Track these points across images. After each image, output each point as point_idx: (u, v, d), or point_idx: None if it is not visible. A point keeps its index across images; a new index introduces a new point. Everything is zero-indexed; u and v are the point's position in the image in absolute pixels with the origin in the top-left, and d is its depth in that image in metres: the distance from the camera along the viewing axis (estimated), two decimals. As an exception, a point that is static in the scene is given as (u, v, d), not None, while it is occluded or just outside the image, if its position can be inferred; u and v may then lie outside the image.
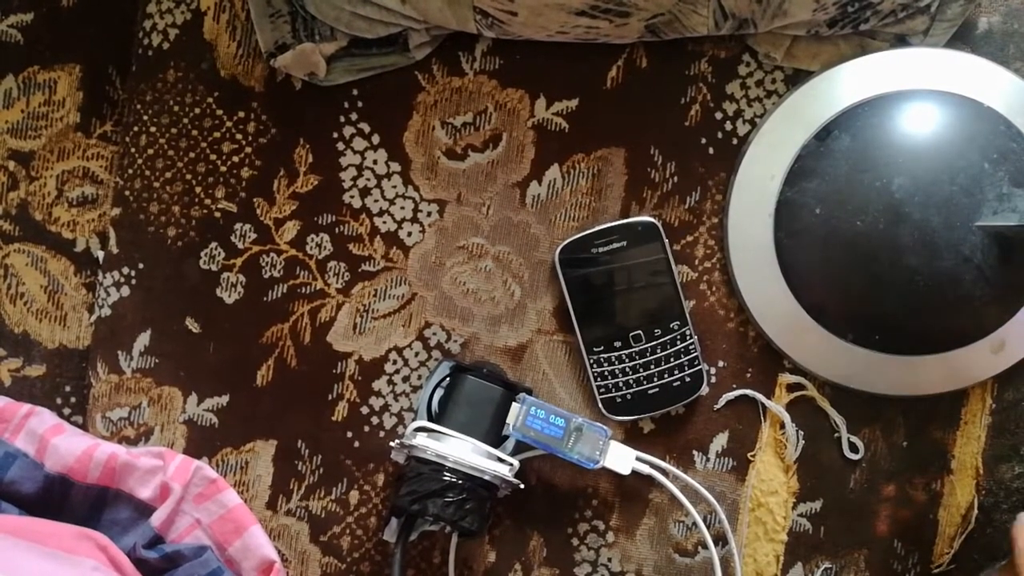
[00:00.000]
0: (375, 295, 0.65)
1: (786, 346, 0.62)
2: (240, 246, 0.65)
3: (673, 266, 0.62)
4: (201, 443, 0.66)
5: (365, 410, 0.65)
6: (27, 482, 0.60)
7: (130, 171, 0.66)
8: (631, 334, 0.62)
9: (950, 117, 0.59)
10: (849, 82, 0.60)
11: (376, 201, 0.65)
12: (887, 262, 0.58)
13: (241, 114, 0.65)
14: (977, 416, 0.63)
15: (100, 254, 0.67)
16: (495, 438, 0.60)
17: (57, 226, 0.67)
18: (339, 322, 0.65)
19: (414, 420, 0.61)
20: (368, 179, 0.65)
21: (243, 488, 0.66)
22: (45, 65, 0.67)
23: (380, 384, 0.65)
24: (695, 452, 0.64)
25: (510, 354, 0.65)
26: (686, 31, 0.60)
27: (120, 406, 0.66)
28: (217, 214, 0.66)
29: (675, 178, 0.64)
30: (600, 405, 0.63)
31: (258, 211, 0.65)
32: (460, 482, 0.57)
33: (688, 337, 0.62)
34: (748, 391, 0.64)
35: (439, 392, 0.62)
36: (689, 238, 0.64)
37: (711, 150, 0.63)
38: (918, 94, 0.59)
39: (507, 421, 0.60)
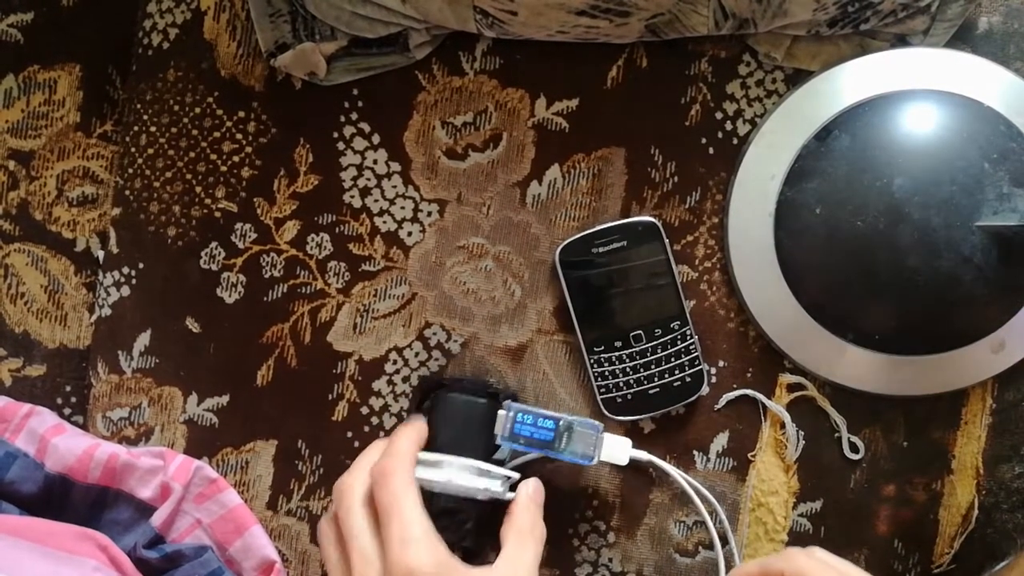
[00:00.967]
0: (375, 295, 0.65)
1: (786, 346, 0.62)
2: (240, 246, 0.65)
3: (673, 266, 0.62)
4: (201, 443, 0.66)
5: (365, 410, 0.65)
6: (27, 482, 0.60)
7: (130, 171, 0.66)
8: (631, 334, 0.62)
9: (950, 117, 0.59)
10: (849, 82, 0.60)
11: (376, 201, 0.65)
12: (887, 262, 0.58)
13: (241, 114, 0.65)
14: (977, 416, 0.63)
15: (100, 254, 0.67)
16: (489, 450, 0.59)
17: (57, 226, 0.67)
18: (339, 322, 0.65)
19: None
20: (368, 179, 0.65)
21: (243, 488, 0.66)
22: (45, 65, 0.67)
23: (380, 384, 0.65)
24: (695, 452, 0.64)
25: (510, 354, 0.65)
26: (686, 31, 0.60)
27: (120, 406, 0.66)
28: (217, 214, 0.66)
29: (675, 178, 0.64)
30: (600, 405, 0.63)
31: (258, 211, 0.65)
32: (454, 505, 0.55)
33: (688, 337, 0.62)
34: (748, 391, 0.64)
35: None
36: (689, 238, 0.64)
37: (711, 150, 0.63)
38: (918, 94, 0.59)
39: (495, 431, 0.58)
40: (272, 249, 0.65)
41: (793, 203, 0.60)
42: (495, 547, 0.55)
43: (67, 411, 0.67)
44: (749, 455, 0.64)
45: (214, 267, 0.66)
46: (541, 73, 0.64)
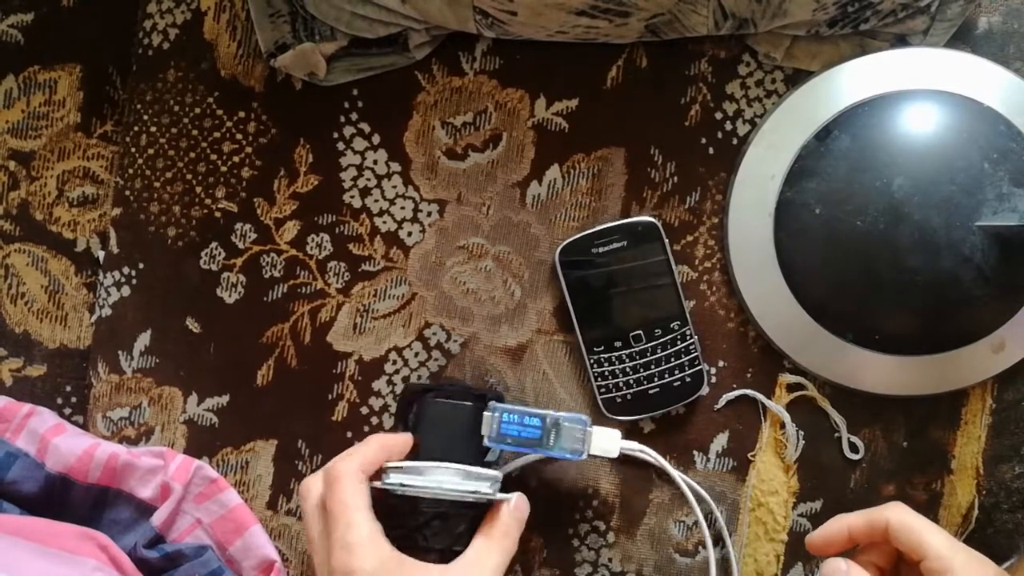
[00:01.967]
0: (375, 295, 0.65)
1: (786, 346, 0.62)
2: (240, 246, 0.66)
3: (673, 266, 0.62)
4: (201, 443, 0.66)
5: (365, 410, 0.65)
6: (28, 482, 0.60)
7: (130, 171, 0.66)
8: (631, 334, 0.62)
9: (950, 117, 0.59)
10: (849, 82, 0.60)
11: (376, 201, 0.65)
12: (887, 262, 0.58)
13: (241, 114, 0.65)
14: (977, 416, 0.63)
15: (101, 254, 0.67)
16: (479, 453, 0.59)
17: (58, 226, 0.67)
18: (339, 322, 0.65)
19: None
20: (368, 179, 0.65)
21: (243, 488, 0.66)
22: (45, 65, 0.67)
23: (380, 384, 0.65)
24: (695, 452, 0.64)
25: (510, 354, 0.65)
26: (686, 31, 0.60)
27: (121, 406, 0.66)
28: (217, 214, 0.66)
29: (675, 178, 0.64)
30: (600, 405, 0.63)
31: (258, 211, 0.65)
32: (444, 510, 0.55)
33: (688, 337, 0.62)
34: (748, 391, 0.64)
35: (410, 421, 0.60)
36: (689, 238, 0.64)
37: (711, 150, 0.63)
38: (918, 94, 0.59)
39: (483, 434, 0.58)
40: (272, 249, 0.65)
41: (793, 203, 0.60)
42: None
43: (67, 411, 0.67)
44: (749, 455, 0.64)
45: (214, 267, 0.66)
46: (541, 73, 0.64)
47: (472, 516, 0.56)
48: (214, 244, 0.66)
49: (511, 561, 0.64)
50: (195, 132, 0.65)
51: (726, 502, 0.64)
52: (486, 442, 0.58)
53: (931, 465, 0.63)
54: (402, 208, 0.65)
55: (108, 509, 0.62)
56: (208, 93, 0.65)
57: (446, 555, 0.54)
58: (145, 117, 0.66)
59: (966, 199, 0.57)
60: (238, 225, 0.65)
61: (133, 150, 0.66)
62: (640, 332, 0.62)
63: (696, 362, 0.63)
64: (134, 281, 0.66)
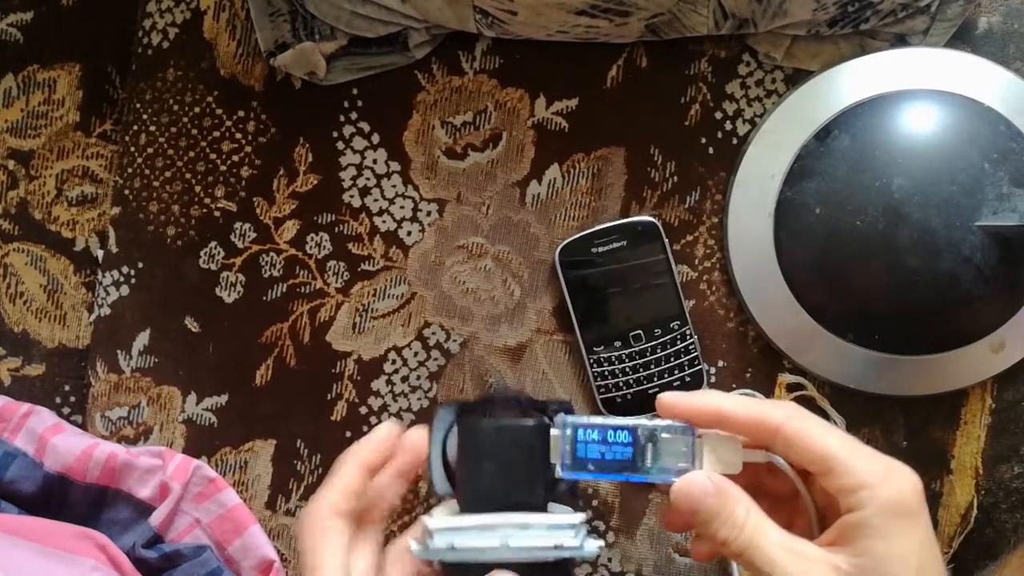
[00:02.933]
0: (374, 295, 0.65)
1: (786, 346, 0.62)
2: (240, 245, 0.65)
3: (673, 266, 0.62)
4: (200, 443, 0.66)
5: (364, 410, 0.65)
6: (26, 481, 0.60)
7: (130, 170, 0.66)
8: (631, 334, 0.62)
9: (950, 117, 0.59)
10: (849, 82, 0.60)
11: (376, 200, 0.65)
12: (887, 262, 0.58)
13: (241, 113, 0.65)
14: (977, 416, 0.63)
15: (99, 253, 0.67)
16: (546, 489, 0.43)
17: (56, 225, 0.67)
18: (338, 322, 0.65)
19: (427, 512, 0.43)
20: (368, 178, 0.65)
21: (242, 488, 0.66)
22: (45, 64, 0.67)
23: (379, 384, 0.65)
24: (695, 452, 0.64)
25: (510, 354, 0.65)
26: (686, 31, 0.60)
27: (119, 405, 0.66)
28: (217, 213, 0.66)
29: (675, 178, 0.64)
30: (600, 405, 0.63)
31: (258, 210, 0.65)
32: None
33: (688, 337, 0.62)
34: (748, 391, 0.64)
35: (451, 444, 0.44)
36: (689, 238, 0.64)
37: (711, 150, 0.63)
38: (918, 94, 0.59)
39: (552, 462, 0.42)
40: (271, 249, 0.65)
41: (793, 203, 0.60)
42: None
43: (66, 410, 0.67)
44: (749, 455, 0.64)
45: (213, 266, 0.66)
46: (541, 73, 0.64)
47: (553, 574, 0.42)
48: (213, 243, 0.65)
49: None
50: (194, 131, 0.65)
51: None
52: (559, 471, 0.42)
53: (930, 465, 0.63)
54: (402, 207, 0.65)
55: (107, 509, 0.62)
56: (208, 92, 0.65)
57: None
58: (144, 116, 0.65)
59: (966, 199, 0.57)
60: (237, 224, 0.65)
61: (132, 149, 0.66)
62: (640, 332, 0.62)
63: (696, 362, 0.63)
64: (133, 280, 0.66)
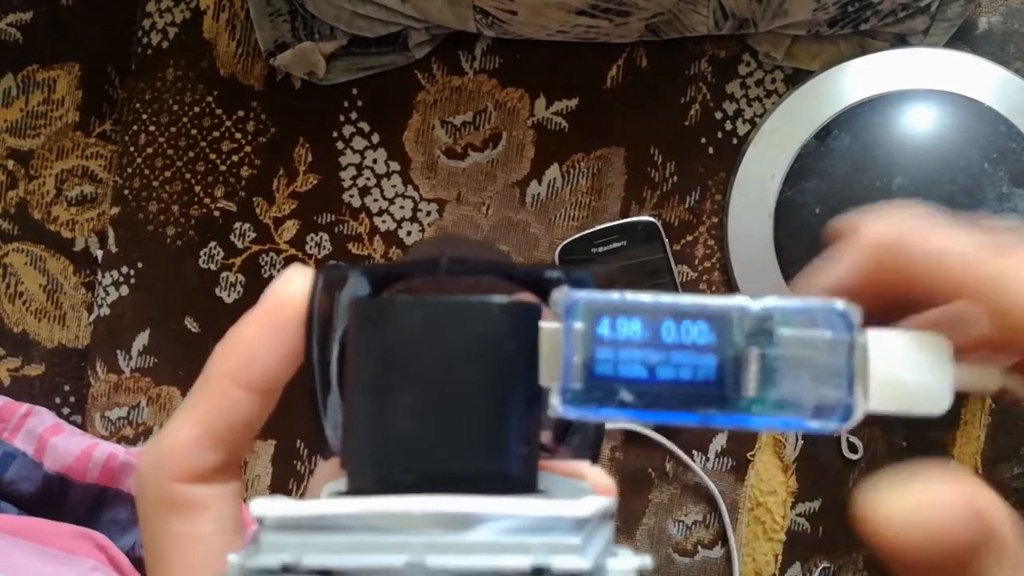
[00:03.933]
0: (375, 295, 0.65)
1: (786, 346, 0.62)
2: (239, 245, 0.65)
3: (673, 266, 0.62)
4: (200, 443, 0.66)
5: (364, 410, 0.65)
6: (26, 482, 0.60)
7: (129, 170, 0.66)
8: (631, 334, 0.62)
9: (950, 117, 0.59)
10: (849, 82, 0.60)
11: (376, 200, 0.65)
12: (887, 262, 0.58)
13: (240, 113, 0.65)
14: (977, 416, 0.63)
15: (99, 253, 0.66)
16: (520, 436, 0.19)
17: (56, 225, 0.67)
18: (338, 321, 0.65)
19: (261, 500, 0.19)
20: (368, 178, 0.65)
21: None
22: (44, 64, 0.67)
23: (379, 384, 0.65)
24: (695, 452, 0.64)
25: (510, 354, 0.64)
26: (686, 30, 0.60)
27: (119, 405, 0.66)
28: (216, 213, 0.65)
29: (675, 178, 0.64)
30: (600, 405, 0.63)
31: (257, 210, 0.65)
32: None
33: (688, 337, 0.62)
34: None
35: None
36: (689, 238, 0.64)
37: (711, 150, 0.63)
38: (918, 94, 0.59)
39: (542, 384, 0.19)
40: (271, 248, 0.65)
41: (793, 203, 0.60)
42: None
43: (66, 410, 0.67)
44: (748, 455, 0.64)
45: (213, 267, 0.65)
46: (541, 73, 0.64)
47: None
48: (213, 243, 0.65)
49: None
50: (194, 131, 0.65)
51: (725, 502, 0.64)
52: (558, 407, 0.19)
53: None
54: (401, 207, 0.65)
55: (106, 509, 0.62)
56: (207, 92, 0.65)
57: None
58: (144, 116, 0.65)
59: (966, 199, 0.57)
60: (237, 224, 0.65)
61: (132, 149, 0.66)
62: (640, 332, 0.62)
63: (696, 362, 0.62)
64: (132, 280, 0.66)
